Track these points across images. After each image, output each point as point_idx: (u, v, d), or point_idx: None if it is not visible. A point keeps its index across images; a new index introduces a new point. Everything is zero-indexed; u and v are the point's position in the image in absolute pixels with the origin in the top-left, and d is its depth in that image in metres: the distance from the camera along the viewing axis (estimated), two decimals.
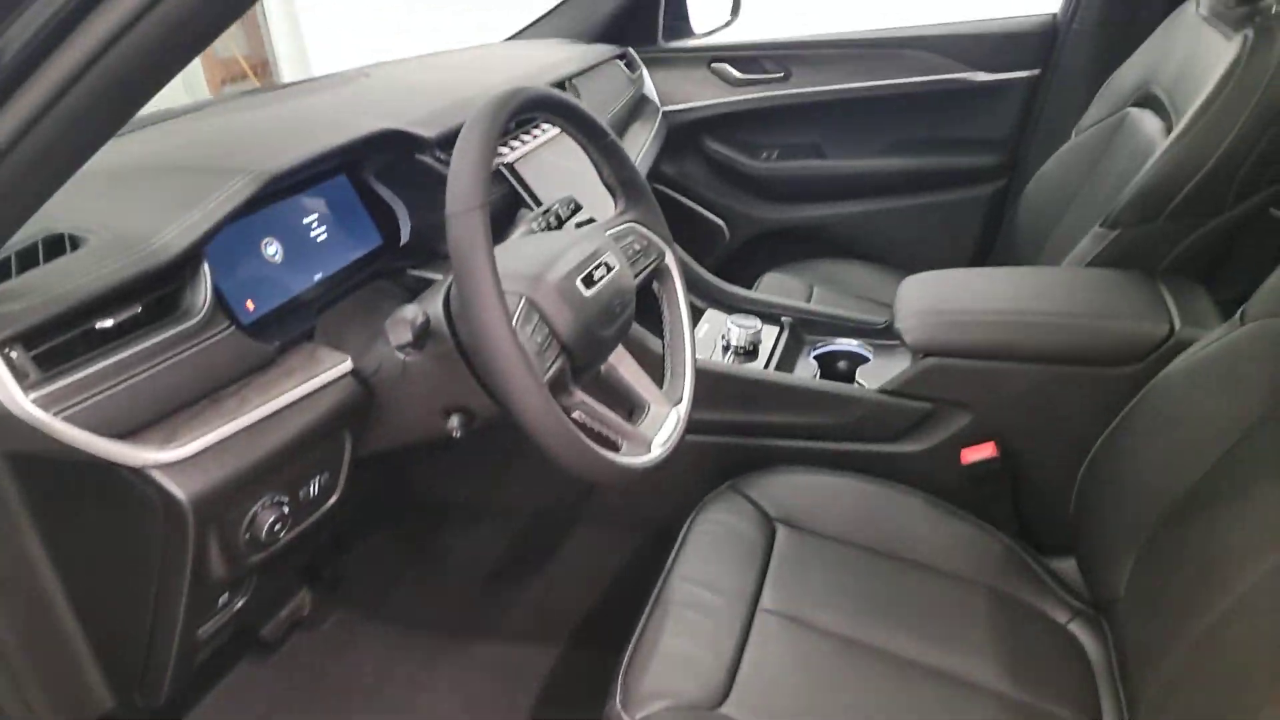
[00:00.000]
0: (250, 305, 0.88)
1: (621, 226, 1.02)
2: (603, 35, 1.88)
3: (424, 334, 0.82)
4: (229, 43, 3.76)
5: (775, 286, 1.74)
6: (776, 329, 1.45)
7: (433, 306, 0.85)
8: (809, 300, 1.69)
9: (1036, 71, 1.80)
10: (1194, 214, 1.19)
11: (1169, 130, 1.28)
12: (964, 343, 1.18)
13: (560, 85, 1.48)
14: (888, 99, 1.88)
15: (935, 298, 1.24)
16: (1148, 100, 1.39)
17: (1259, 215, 1.23)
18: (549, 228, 1.07)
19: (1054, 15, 1.79)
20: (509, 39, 1.98)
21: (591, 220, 1.10)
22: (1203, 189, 1.16)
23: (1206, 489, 0.85)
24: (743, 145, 2.00)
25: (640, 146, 1.72)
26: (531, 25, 1.95)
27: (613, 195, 1.04)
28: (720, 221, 2.06)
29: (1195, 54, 1.29)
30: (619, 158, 1.01)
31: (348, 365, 0.89)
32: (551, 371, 0.82)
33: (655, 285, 1.05)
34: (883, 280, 1.82)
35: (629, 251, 0.99)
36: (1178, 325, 1.11)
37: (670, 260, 1.05)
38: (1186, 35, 1.35)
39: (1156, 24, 1.49)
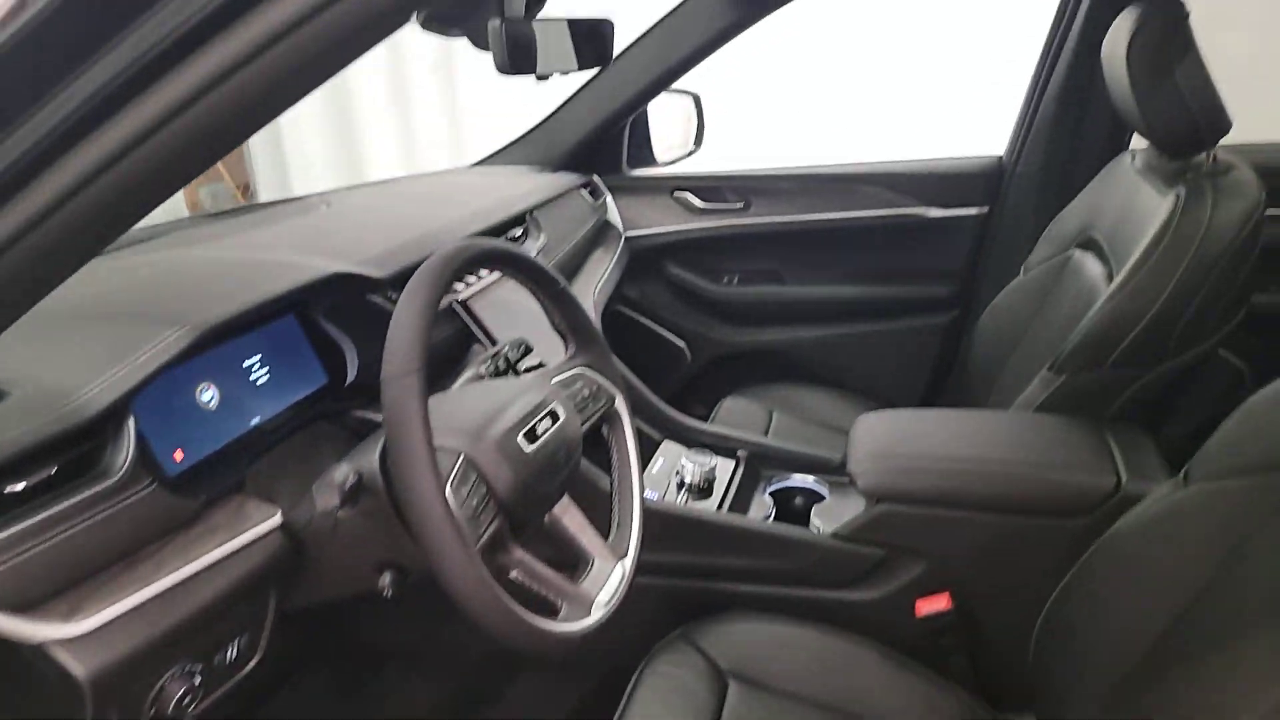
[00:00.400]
0: (179, 455, 0.85)
1: (571, 372, 1.01)
2: (569, 163, 1.92)
3: (354, 495, 0.79)
4: None
5: (735, 412, 1.74)
6: (732, 463, 1.43)
7: (368, 461, 0.82)
8: (768, 426, 1.68)
9: (985, 209, 1.87)
10: (1138, 362, 1.21)
11: (1110, 275, 1.32)
12: (916, 489, 1.17)
13: (521, 218, 1.50)
14: (844, 229, 1.93)
15: (888, 441, 1.24)
16: (1089, 244, 1.44)
17: (1208, 356, 1.26)
18: (498, 371, 1.06)
19: (1000, 157, 1.87)
20: (476, 164, 2.02)
21: (541, 365, 1.09)
22: (1144, 339, 1.19)
23: (1165, 652, 0.83)
24: (704, 269, 2.04)
25: (602, 272, 1.73)
26: (499, 152, 1.99)
27: (563, 339, 1.04)
28: (681, 343, 2.08)
29: (1131, 205, 1.34)
30: (568, 303, 1.01)
31: (277, 519, 0.86)
32: (488, 534, 0.79)
33: (604, 430, 1.04)
34: (841, 407, 1.83)
35: (578, 397, 0.98)
36: (1124, 478, 1.11)
37: (620, 405, 1.04)
38: (1123, 185, 1.41)
39: (1096, 170, 1.55)
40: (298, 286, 0.96)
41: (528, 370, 1.10)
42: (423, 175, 1.77)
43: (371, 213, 1.41)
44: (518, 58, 1.01)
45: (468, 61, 3.00)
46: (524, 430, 0.85)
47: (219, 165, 4.53)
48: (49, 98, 0.49)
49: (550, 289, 0.99)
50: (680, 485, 1.35)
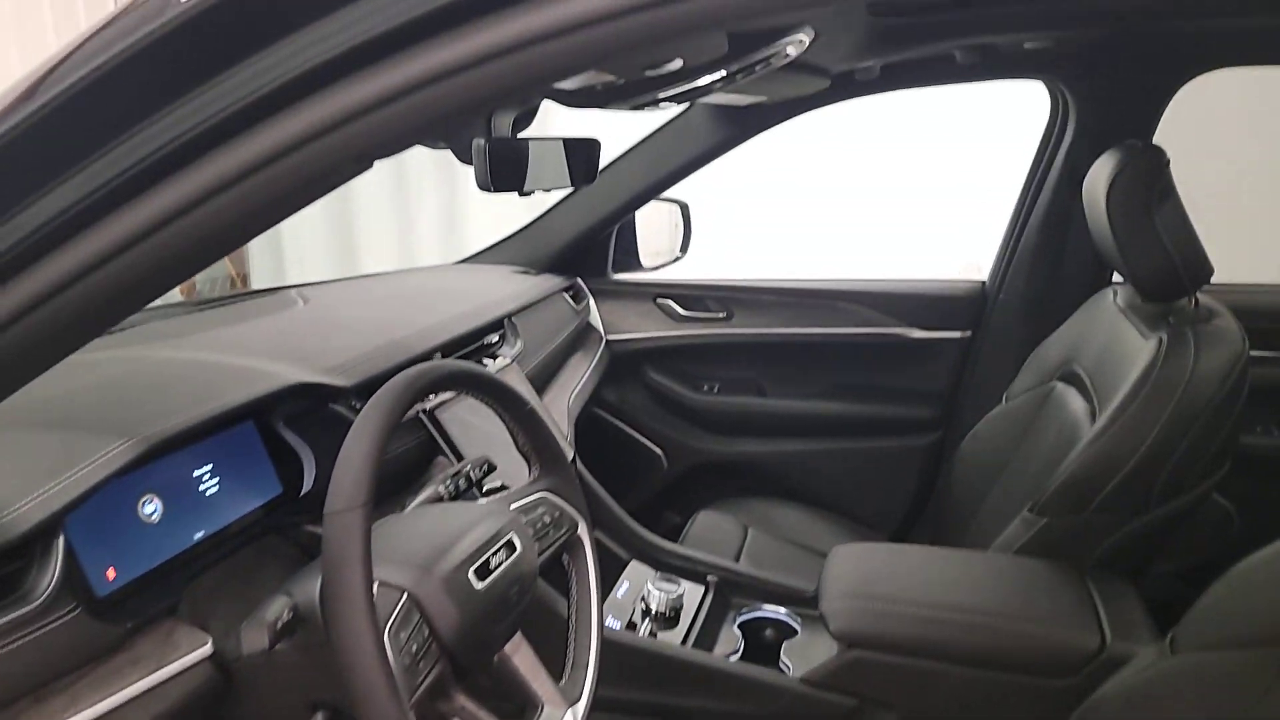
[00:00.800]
0: (111, 574, 0.79)
1: (533, 497, 0.97)
2: (554, 265, 1.92)
3: (287, 632, 0.74)
4: None
5: (709, 527, 1.69)
6: (701, 589, 1.38)
7: (306, 592, 0.77)
8: (742, 545, 1.63)
9: (969, 333, 1.87)
10: (1121, 509, 1.18)
11: (1092, 412, 1.30)
12: (890, 636, 1.12)
13: (499, 323, 1.48)
14: (827, 344, 1.93)
15: (862, 580, 1.19)
16: (1072, 378, 1.42)
17: (1197, 504, 1.22)
18: (458, 491, 1.02)
19: (983, 283, 1.88)
20: (462, 261, 2.02)
21: (504, 487, 1.05)
22: (1127, 486, 1.16)
23: None
24: (684, 377, 2.02)
25: (580, 376, 1.71)
26: (486, 250, 1.99)
27: (527, 462, 1.00)
28: (659, 450, 2.04)
29: (1113, 344, 1.33)
30: (535, 425, 0.98)
31: (207, 649, 0.80)
32: (427, 681, 0.74)
33: (565, 558, 0.99)
34: (818, 527, 1.78)
35: (538, 524, 0.94)
36: (1109, 638, 1.06)
37: (582, 532, 1.00)
38: (1105, 323, 1.40)
39: (1079, 299, 1.55)
40: (256, 398, 0.92)
41: (490, 491, 1.06)
42: (406, 272, 1.76)
43: (346, 312, 1.38)
44: (500, 175, 1.01)
45: None
46: (476, 565, 0.81)
47: None
48: (55, 184, 0.49)
49: (516, 411, 0.96)
50: (645, 613, 1.29)
